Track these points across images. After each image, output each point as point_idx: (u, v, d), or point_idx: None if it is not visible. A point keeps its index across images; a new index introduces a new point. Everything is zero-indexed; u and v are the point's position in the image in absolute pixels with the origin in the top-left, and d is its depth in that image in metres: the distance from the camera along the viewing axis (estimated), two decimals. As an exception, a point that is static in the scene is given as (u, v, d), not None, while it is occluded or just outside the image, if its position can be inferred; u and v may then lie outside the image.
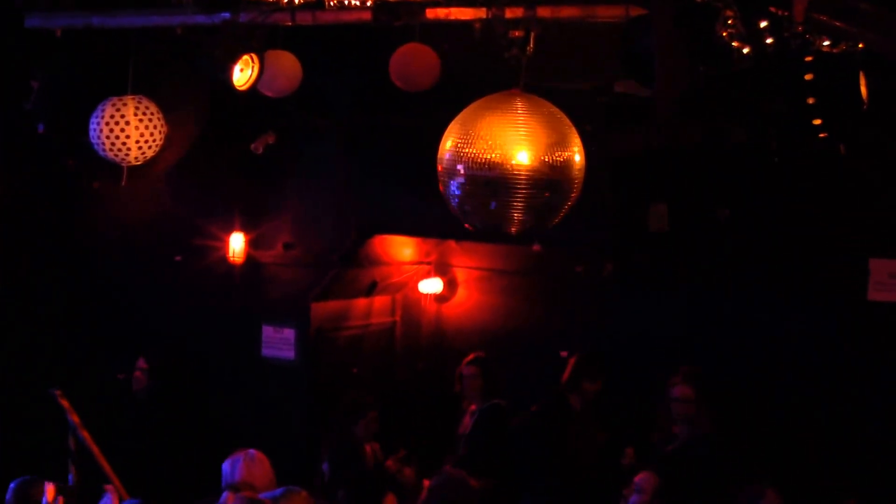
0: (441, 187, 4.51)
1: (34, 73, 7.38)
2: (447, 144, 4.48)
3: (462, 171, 4.38)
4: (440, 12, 6.00)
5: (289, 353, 8.14)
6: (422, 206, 7.01)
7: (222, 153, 8.17)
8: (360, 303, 8.59)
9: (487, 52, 5.05)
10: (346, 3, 6.09)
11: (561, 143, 4.45)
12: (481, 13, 5.60)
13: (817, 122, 5.02)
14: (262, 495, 5.50)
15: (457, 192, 4.44)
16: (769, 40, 4.71)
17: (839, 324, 6.71)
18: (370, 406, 7.45)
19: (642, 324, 7.48)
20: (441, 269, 8.85)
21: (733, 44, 4.66)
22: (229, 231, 8.32)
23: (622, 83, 5.98)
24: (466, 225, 4.55)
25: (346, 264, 8.15)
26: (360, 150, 7.87)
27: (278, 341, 8.18)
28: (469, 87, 4.89)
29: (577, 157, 4.50)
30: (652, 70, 4.85)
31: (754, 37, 4.66)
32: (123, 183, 7.31)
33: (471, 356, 7.72)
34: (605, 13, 5.60)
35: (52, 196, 8.81)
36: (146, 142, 7.03)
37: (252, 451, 5.85)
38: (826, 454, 6.69)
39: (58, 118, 7.52)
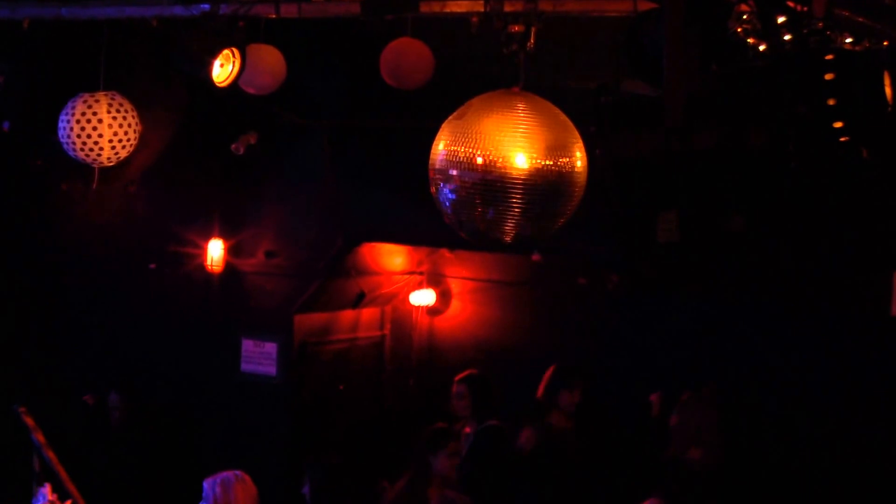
0: (433, 192, 4.49)
1: (-1, 67, 7.38)
2: (440, 146, 4.46)
3: (456, 176, 4.37)
4: (435, 5, 5.99)
5: (270, 369, 8.14)
6: (413, 212, 6.89)
7: (200, 154, 8.18)
8: (347, 315, 8.60)
9: (485, 48, 5.03)
10: (334, -6, 6.08)
11: (563, 145, 4.45)
12: (479, 6, 5.60)
13: (838, 124, 5.00)
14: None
15: (450, 198, 4.42)
16: (787, 37, 4.69)
17: (860, 341, 6.71)
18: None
19: (650, 340, 7.53)
20: (433, 280, 8.87)
21: (748, 40, 4.66)
22: (207, 237, 8.31)
23: (629, 82, 5.95)
24: (461, 233, 4.52)
25: (332, 274, 8.16)
26: (347, 151, 7.87)
27: (259, 356, 8.17)
28: (465, 86, 4.88)
29: (580, 161, 4.50)
30: (661, 68, 4.82)
31: (771, 33, 4.65)
32: (94, 185, 7.32)
33: (463, 373, 7.68)
34: (612, 7, 5.60)
35: (17, 199, 8.82)
36: (119, 141, 7.03)
37: (237, 472, 5.83)
38: (846, 475, 6.67)
39: (25, 115, 7.52)
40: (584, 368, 7.34)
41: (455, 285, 8.80)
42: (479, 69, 5.12)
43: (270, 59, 6.65)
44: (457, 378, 7.64)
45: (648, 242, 6.66)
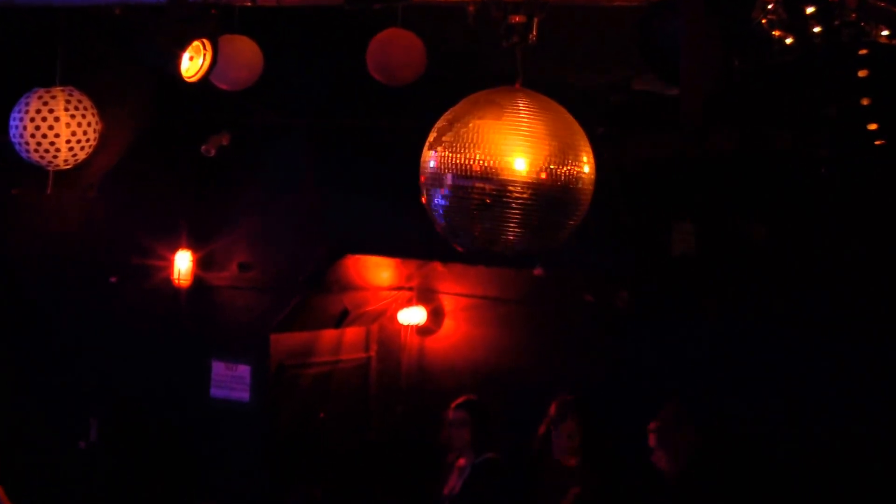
0: (424, 200, 4.47)
1: (-57, 59, 7.37)
2: (432, 149, 4.44)
3: (449, 182, 4.35)
4: (427, -8, 6.00)
5: (243, 394, 8.15)
6: (403, 221, 6.97)
7: (167, 157, 8.19)
8: (329, 335, 8.63)
9: (482, 41, 5.01)
10: (317, -20, 6.08)
11: (568, 149, 4.42)
12: (476, -6, 5.58)
13: (873, 126, 5.00)
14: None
15: (443, 206, 4.40)
16: (816, 29, 4.68)
17: (897, 362, 6.72)
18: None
19: (663, 362, 7.51)
20: (424, 297, 8.89)
21: (774, 33, 4.64)
22: (174, 248, 8.35)
23: (641, 79, 5.97)
24: (455, 245, 4.49)
25: (313, 289, 8.19)
26: (330, 154, 7.89)
27: (231, 380, 8.17)
28: (460, 82, 4.87)
29: (587, 166, 4.47)
30: (677, 64, 4.82)
31: (799, 25, 4.64)
32: (49, 190, 7.27)
33: (460, 399, 7.67)
34: (623, -5, 5.59)
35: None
36: (78, 142, 6.98)
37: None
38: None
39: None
40: (590, 401, 7.32)
41: (448, 302, 8.82)
42: (475, 64, 5.11)
43: (245, 52, 6.60)
44: (454, 404, 7.63)
45: (662, 255, 6.71)
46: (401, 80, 6.47)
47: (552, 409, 7.32)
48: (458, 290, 8.73)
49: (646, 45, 5.04)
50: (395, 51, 6.41)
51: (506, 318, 8.48)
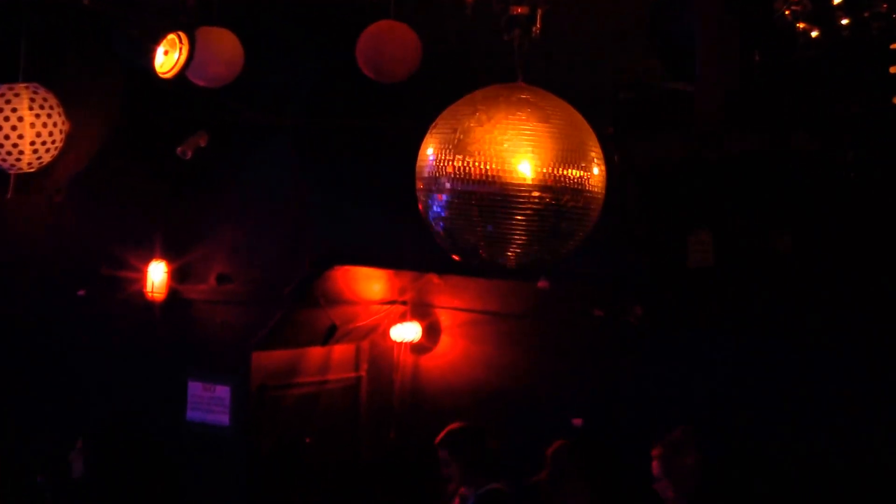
0: (420, 207, 4.46)
1: None
2: (429, 151, 4.43)
3: (448, 187, 4.34)
4: (423, -19, 6.03)
5: (222, 418, 8.13)
6: (396, 230, 7.01)
7: (140, 160, 8.17)
8: (316, 353, 8.62)
9: (482, 34, 5.01)
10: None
11: (577, 150, 4.40)
12: (475, -17, 5.58)
13: (905, 127, 5.01)
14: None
15: (441, 214, 4.39)
16: (844, 21, 4.68)
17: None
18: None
19: (678, 382, 7.52)
20: (419, 311, 8.90)
21: (798, 25, 4.64)
22: (147, 258, 8.34)
23: (654, 74, 5.95)
24: (454, 255, 4.46)
25: (298, 303, 8.16)
26: (317, 156, 7.87)
27: (209, 402, 8.16)
28: (458, 79, 4.88)
29: (597, 168, 4.44)
30: (693, 58, 4.82)
31: (825, 17, 4.64)
32: (10, 195, 7.25)
33: (442, 433, 7.53)
34: (635, -16, 5.61)
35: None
36: (43, 143, 6.96)
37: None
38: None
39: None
40: (595, 441, 7.33)
41: (445, 317, 8.82)
42: (475, 59, 5.09)
43: (225, 45, 6.60)
44: (436, 441, 7.51)
45: (677, 266, 6.69)
46: (394, 76, 6.48)
47: (549, 456, 7.28)
48: (455, 304, 8.74)
49: (658, 37, 5.05)
50: (388, 45, 6.41)
51: (507, 334, 8.49)
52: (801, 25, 4.70)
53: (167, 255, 8.34)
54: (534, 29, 4.65)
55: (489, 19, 4.80)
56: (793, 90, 5.64)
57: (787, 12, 4.67)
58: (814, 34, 4.71)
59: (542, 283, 7.37)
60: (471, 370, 8.65)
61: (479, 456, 7.41)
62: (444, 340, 8.82)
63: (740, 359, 7.34)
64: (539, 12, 4.67)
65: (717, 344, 7.36)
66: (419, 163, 4.46)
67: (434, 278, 8.70)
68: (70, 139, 7.20)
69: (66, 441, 8.25)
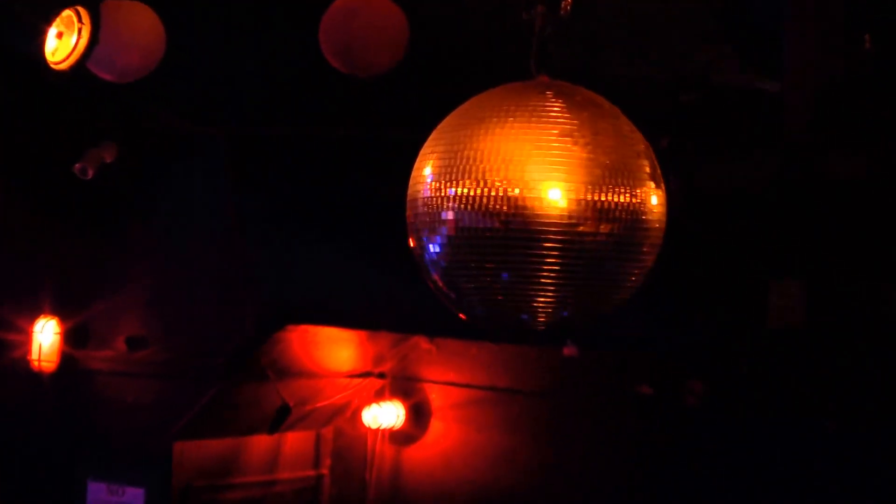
0: (413, 245, 4.38)
1: None
2: (425, 172, 4.36)
3: (451, 219, 4.28)
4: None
5: (134, 532, 8.27)
6: (371, 277, 7.15)
7: (23, 182, 8.28)
8: (262, 443, 8.72)
9: (491, 13, 4.93)
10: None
11: (625, 171, 4.33)
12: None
13: None
14: None
15: (441, 255, 4.31)
16: None
17: None
18: None
19: (750, 485, 7.50)
20: (402, 388, 8.99)
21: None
22: (33, 316, 8.40)
23: (725, 70, 5.91)
24: (459, 313, 4.42)
25: (238, 376, 8.20)
26: (264, 178, 7.91)
27: (116, 510, 8.27)
28: (461, 73, 4.96)
29: (654, 196, 4.38)
30: (778, 48, 4.75)
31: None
32: None
33: None
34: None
35: None
36: None
37: None
38: None
39: None
40: None
41: (436, 395, 8.91)
42: (483, 46, 5.00)
43: (140, 26, 6.58)
44: None
45: (754, 328, 6.63)
46: (371, 68, 6.43)
47: None
48: (450, 377, 8.84)
49: (733, 24, 5.03)
50: (363, 26, 6.36)
51: (520, 418, 8.55)
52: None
53: (59, 312, 8.41)
54: (563, 5, 4.57)
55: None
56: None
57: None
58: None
59: (568, 350, 7.42)
60: (470, 466, 8.73)
61: None
62: (435, 426, 8.90)
63: (839, 454, 7.32)
64: (570, -16, 4.66)
65: (806, 434, 7.34)
66: (412, 187, 4.38)
67: (423, 343, 8.81)
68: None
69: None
